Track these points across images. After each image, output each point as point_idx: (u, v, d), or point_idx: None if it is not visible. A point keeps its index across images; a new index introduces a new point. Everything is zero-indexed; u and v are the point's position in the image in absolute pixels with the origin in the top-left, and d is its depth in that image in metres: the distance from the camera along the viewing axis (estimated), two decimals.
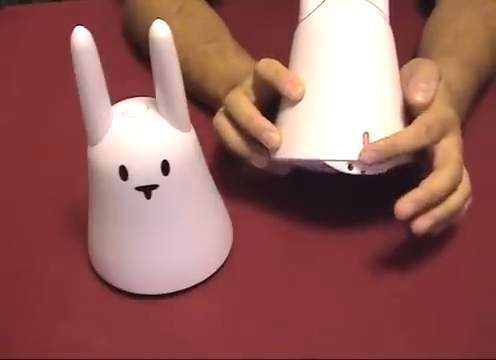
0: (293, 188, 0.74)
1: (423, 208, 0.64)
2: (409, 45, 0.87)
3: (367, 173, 0.65)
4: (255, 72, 0.69)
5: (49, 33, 0.98)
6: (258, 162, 0.70)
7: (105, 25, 0.95)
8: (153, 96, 0.62)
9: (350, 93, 0.66)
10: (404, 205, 0.63)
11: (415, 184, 0.64)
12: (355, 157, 0.65)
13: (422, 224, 0.64)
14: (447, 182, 0.64)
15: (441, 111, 0.67)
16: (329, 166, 0.65)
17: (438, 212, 0.64)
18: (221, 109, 0.71)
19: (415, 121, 0.66)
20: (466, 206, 0.67)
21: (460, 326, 0.64)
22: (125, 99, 0.64)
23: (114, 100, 0.63)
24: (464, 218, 0.69)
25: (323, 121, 0.66)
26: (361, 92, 0.66)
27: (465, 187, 0.66)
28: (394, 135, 0.65)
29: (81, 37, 0.58)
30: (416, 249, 0.70)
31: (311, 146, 0.66)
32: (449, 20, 0.83)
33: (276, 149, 0.67)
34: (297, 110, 0.67)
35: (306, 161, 0.67)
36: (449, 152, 0.66)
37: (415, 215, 0.64)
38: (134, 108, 0.63)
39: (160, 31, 0.58)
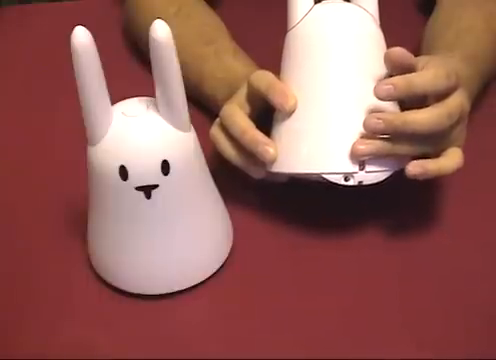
0: (293, 188, 0.74)
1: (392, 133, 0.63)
2: (409, 45, 0.86)
3: (364, 183, 0.65)
4: (249, 84, 0.69)
5: (49, 33, 0.98)
6: (255, 173, 0.70)
7: (105, 25, 0.95)
8: (153, 96, 0.62)
9: (345, 105, 0.66)
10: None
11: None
12: (351, 169, 0.64)
13: (370, 148, 0.63)
14: (428, 119, 0.63)
15: (448, 64, 0.66)
16: (325, 178, 0.65)
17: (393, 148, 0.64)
18: (218, 120, 0.71)
19: (432, 68, 0.65)
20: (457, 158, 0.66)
21: (464, 326, 0.64)
22: (125, 99, 0.64)
23: (114, 100, 0.63)
24: (466, 217, 0.69)
25: (318, 134, 0.66)
26: (355, 103, 0.66)
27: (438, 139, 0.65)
28: (410, 74, 0.64)
29: (81, 37, 0.58)
30: (417, 250, 0.70)
31: (307, 159, 0.66)
32: (451, 18, 0.83)
33: (271, 162, 0.67)
34: (291, 123, 0.67)
35: (302, 174, 0.67)
36: (449, 100, 0.64)
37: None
38: (134, 108, 0.63)
39: (160, 31, 0.58)
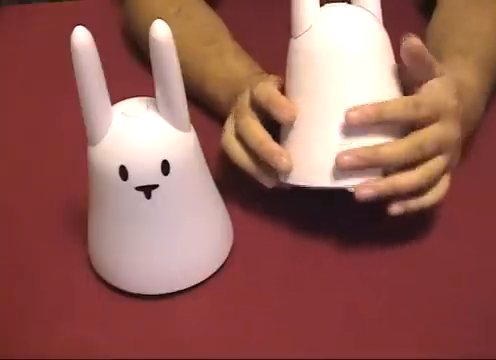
0: (294, 189, 0.74)
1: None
2: None
3: None
4: (252, 97, 0.69)
5: (49, 33, 0.98)
6: (267, 183, 0.70)
7: (105, 25, 0.95)
8: (153, 96, 0.62)
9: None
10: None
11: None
12: (363, 181, 0.65)
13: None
14: (399, 153, 0.64)
15: (436, 94, 0.66)
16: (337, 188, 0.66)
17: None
18: (229, 129, 0.71)
19: (403, 99, 0.66)
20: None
21: (458, 325, 0.64)
22: (125, 99, 0.64)
23: (114, 100, 0.63)
24: (460, 219, 0.69)
25: (330, 148, 0.65)
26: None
27: (429, 171, 0.65)
28: (381, 102, 0.64)
29: (81, 37, 0.58)
30: (416, 254, 0.70)
31: (320, 174, 0.66)
32: (458, 20, 0.81)
33: (286, 173, 0.67)
34: (299, 134, 0.67)
35: (317, 188, 0.67)
36: (425, 136, 0.65)
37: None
38: (134, 108, 0.63)
39: (160, 31, 0.58)
